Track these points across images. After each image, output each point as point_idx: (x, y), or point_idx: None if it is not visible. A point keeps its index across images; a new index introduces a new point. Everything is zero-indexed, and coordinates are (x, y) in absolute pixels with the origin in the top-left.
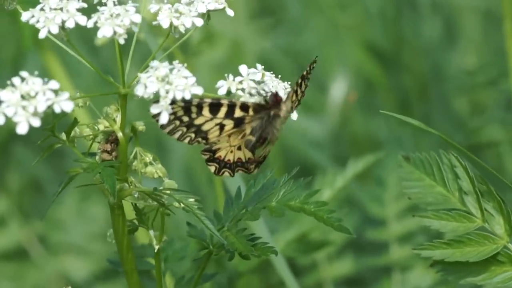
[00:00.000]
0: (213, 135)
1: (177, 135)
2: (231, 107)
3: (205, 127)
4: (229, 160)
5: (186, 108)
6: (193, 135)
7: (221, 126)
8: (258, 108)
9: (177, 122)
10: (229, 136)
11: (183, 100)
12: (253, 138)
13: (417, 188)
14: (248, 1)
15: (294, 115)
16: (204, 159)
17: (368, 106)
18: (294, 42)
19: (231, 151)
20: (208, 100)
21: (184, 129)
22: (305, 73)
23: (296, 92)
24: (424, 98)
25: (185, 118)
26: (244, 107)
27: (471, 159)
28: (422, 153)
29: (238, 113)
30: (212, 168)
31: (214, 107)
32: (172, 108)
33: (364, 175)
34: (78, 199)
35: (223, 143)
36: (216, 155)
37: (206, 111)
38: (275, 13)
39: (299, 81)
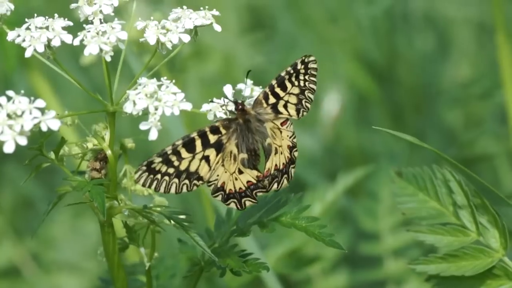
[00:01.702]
0: (204, 171)
1: (173, 188)
2: (203, 136)
3: (192, 168)
4: (240, 189)
5: (166, 160)
6: (187, 181)
7: (206, 159)
8: (227, 123)
9: (167, 178)
10: (222, 165)
11: (159, 154)
12: (245, 155)
13: (411, 203)
14: (239, 16)
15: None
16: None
17: (361, 120)
18: (286, 56)
19: (236, 179)
20: (180, 142)
21: (177, 180)
22: (283, 73)
23: (272, 94)
24: (417, 111)
25: (171, 170)
26: (214, 129)
27: (465, 172)
28: (415, 167)
29: (212, 138)
30: (233, 205)
31: (189, 145)
32: (154, 167)
33: (358, 189)
34: (71, 215)
35: (223, 175)
36: (227, 191)
37: (184, 153)
38: (266, 28)
39: (273, 82)
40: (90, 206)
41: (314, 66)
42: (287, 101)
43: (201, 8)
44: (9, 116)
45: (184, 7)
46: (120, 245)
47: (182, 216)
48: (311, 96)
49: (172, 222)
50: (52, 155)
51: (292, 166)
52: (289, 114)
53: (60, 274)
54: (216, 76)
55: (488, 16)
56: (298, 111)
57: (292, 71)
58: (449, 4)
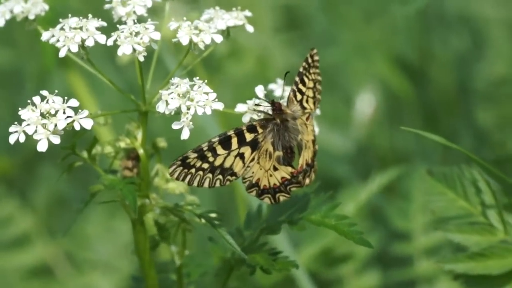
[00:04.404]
0: (238, 168)
1: (206, 183)
2: (240, 134)
3: (227, 164)
4: (275, 185)
5: (201, 156)
6: (221, 176)
7: (241, 156)
8: (264, 123)
9: (201, 172)
10: (258, 162)
11: (194, 150)
12: (281, 153)
13: (440, 202)
14: (274, 15)
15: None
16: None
17: (395, 119)
18: (320, 56)
19: (270, 175)
20: (216, 139)
21: (210, 175)
22: (301, 69)
23: (298, 91)
24: (451, 111)
25: (206, 165)
26: (251, 128)
27: (494, 173)
28: (445, 167)
29: (248, 136)
30: (267, 200)
31: (226, 142)
32: (189, 162)
33: (390, 189)
34: (106, 215)
35: (259, 171)
36: (261, 187)
37: (220, 150)
38: (301, 28)
39: (297, 79)
40: (122, 204)
41: (317, 58)
42: (308, 96)
43: (234, 8)
44: (42, 115)
45: (217, 7)
46: (152, 243)
47: (213, 215)
48: (320, 87)
49: (203, 220)
50: (84, 154)
51: (315, 159)
52: (311, 108)
53: (93, 273)
54: (251, 75)
55: None
56: (314, 103)
57: (306, 66)
58: (484, 3)
